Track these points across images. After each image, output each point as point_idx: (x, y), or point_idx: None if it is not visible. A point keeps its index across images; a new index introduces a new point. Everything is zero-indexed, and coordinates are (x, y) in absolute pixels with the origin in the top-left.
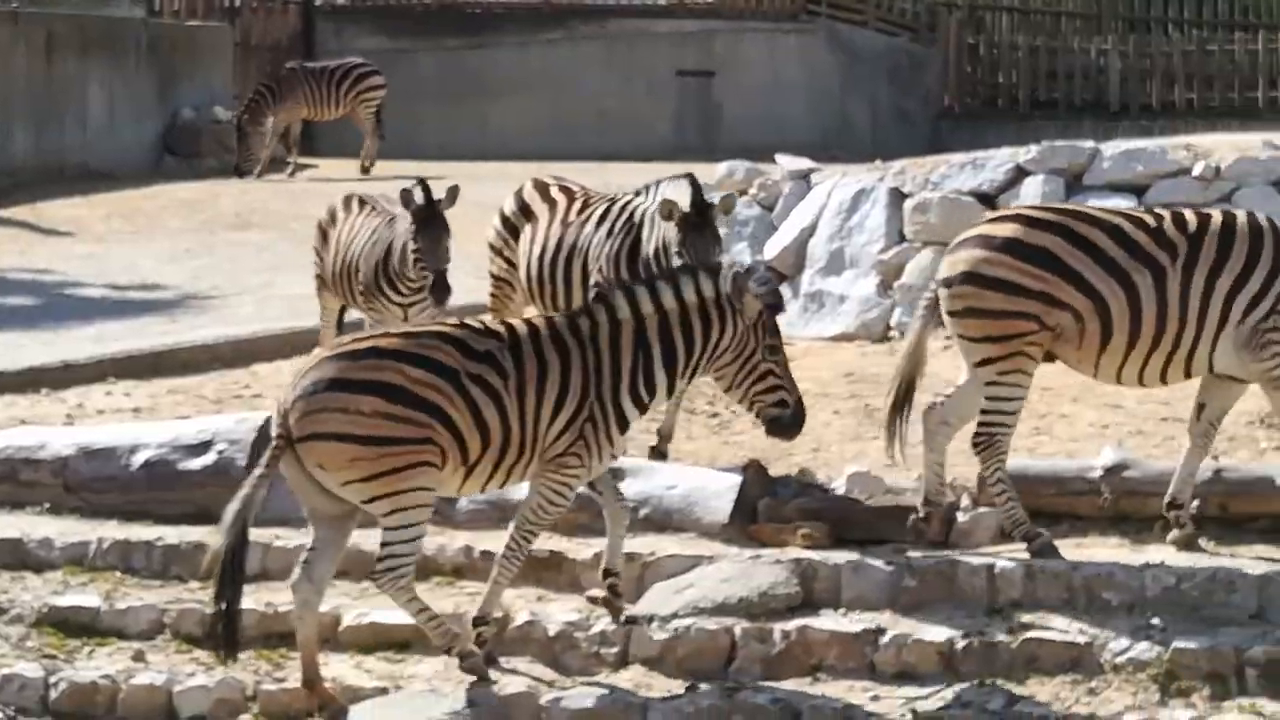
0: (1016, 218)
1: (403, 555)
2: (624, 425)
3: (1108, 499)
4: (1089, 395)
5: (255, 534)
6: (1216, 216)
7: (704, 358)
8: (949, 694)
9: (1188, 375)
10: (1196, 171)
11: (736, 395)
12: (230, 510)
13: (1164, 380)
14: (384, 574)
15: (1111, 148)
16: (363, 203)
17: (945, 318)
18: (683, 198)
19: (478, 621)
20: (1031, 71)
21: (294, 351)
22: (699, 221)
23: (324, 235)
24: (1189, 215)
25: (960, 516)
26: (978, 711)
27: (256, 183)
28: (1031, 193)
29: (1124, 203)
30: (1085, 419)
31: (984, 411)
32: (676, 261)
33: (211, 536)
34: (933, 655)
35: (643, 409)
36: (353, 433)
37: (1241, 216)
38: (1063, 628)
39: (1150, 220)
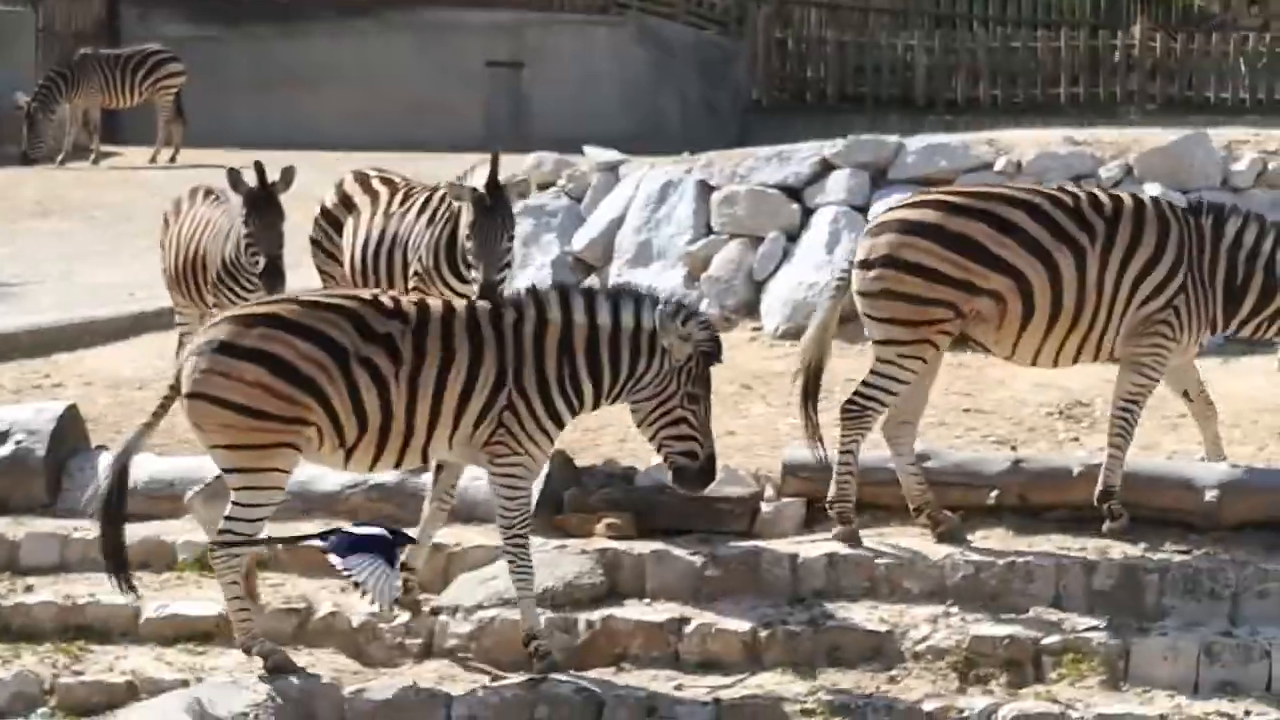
0: (938, 203)
1: (242, 533)
2: (556, 419)
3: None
4: None
5: (53, 526)
6: (1128, 199)
7: (627, 384)
8: (752, 683)
9: (1096, 358)
10: (998, 166)
11: (647, 434)
12: (113, 453)
13: (1075, 361)
14: (219, 548)
15: (916, 142)
16: (208, 194)
17: (858, 298)
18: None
19: (529, 638)
20: (839, 66)
21: (95, 341)
22: (491, 203)
23: (165, 229)
24: (1101, 195)
25: (764, 507)
26: (780, 700)
27: (58, 170)
28: (837, 187)
29: None
30: None
31: (868, 384)
32: (468, 245)
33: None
34: (736, 644)
35: (572, 411)
36: (231, 399)
37: (1149, 201)
38: (864, 616)
39: (1068, 199)
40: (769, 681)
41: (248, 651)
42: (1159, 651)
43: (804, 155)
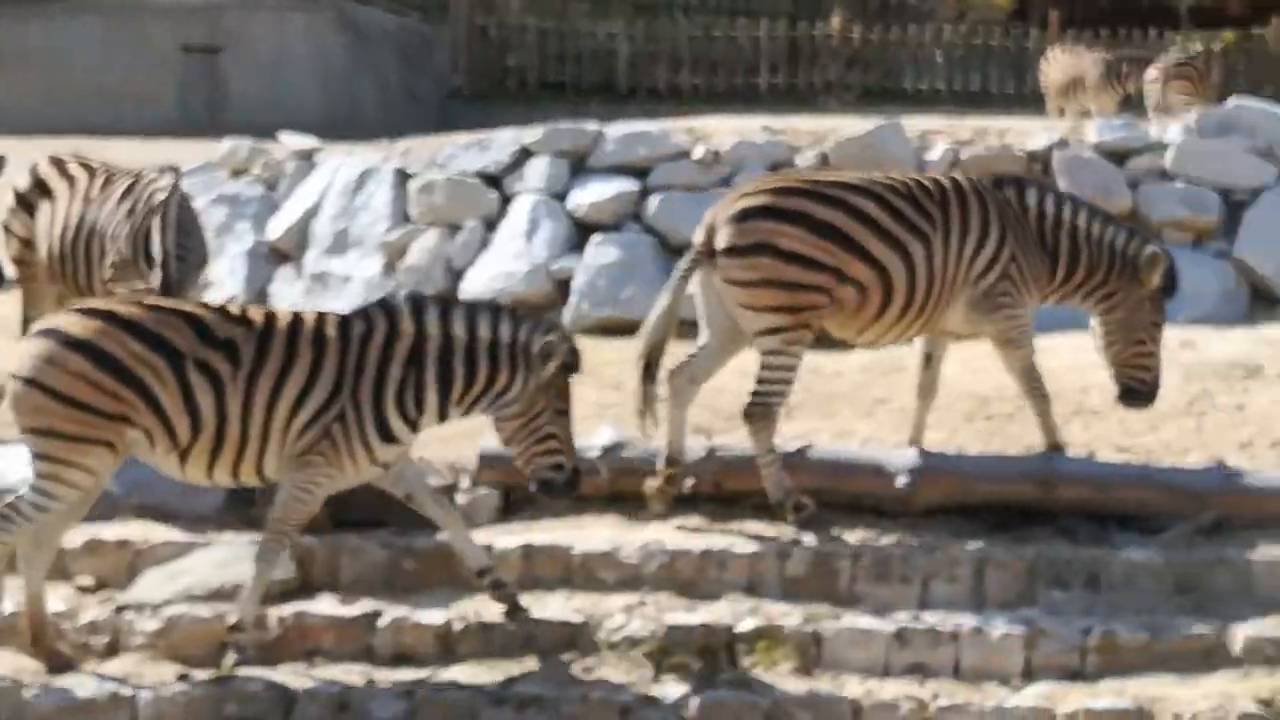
0: (797, 190)
1: (26, 516)
2: (386, 435)
3: (604, 478)
4: (589, 376)
5: None
6: (945, 181)
7: (484, 398)
8: (445, 676)
9: (927, 333)
10: (697, 155)
11: (514, 449)
12: None
13: (909, 341)
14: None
15: (615, 130)
16: None
17: (725, 286)
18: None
19: (234, 629)
20: (541, 53)
21: None
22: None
23: None
24: (925, 180)
25: (460, 498)
26: (474, 692)
27: None
28: (536, 174)
29: (628, 185)
30: (588, 399)
31: (762, 381)
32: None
33: None
34: (430, 637)
35: (411, 426)
36: (50, 385)
37: (965, 181)
38: (559, 607)
39: (901, 188)
40: (463, 674)
41: None
42: (850, 636)
43: (503, 143)
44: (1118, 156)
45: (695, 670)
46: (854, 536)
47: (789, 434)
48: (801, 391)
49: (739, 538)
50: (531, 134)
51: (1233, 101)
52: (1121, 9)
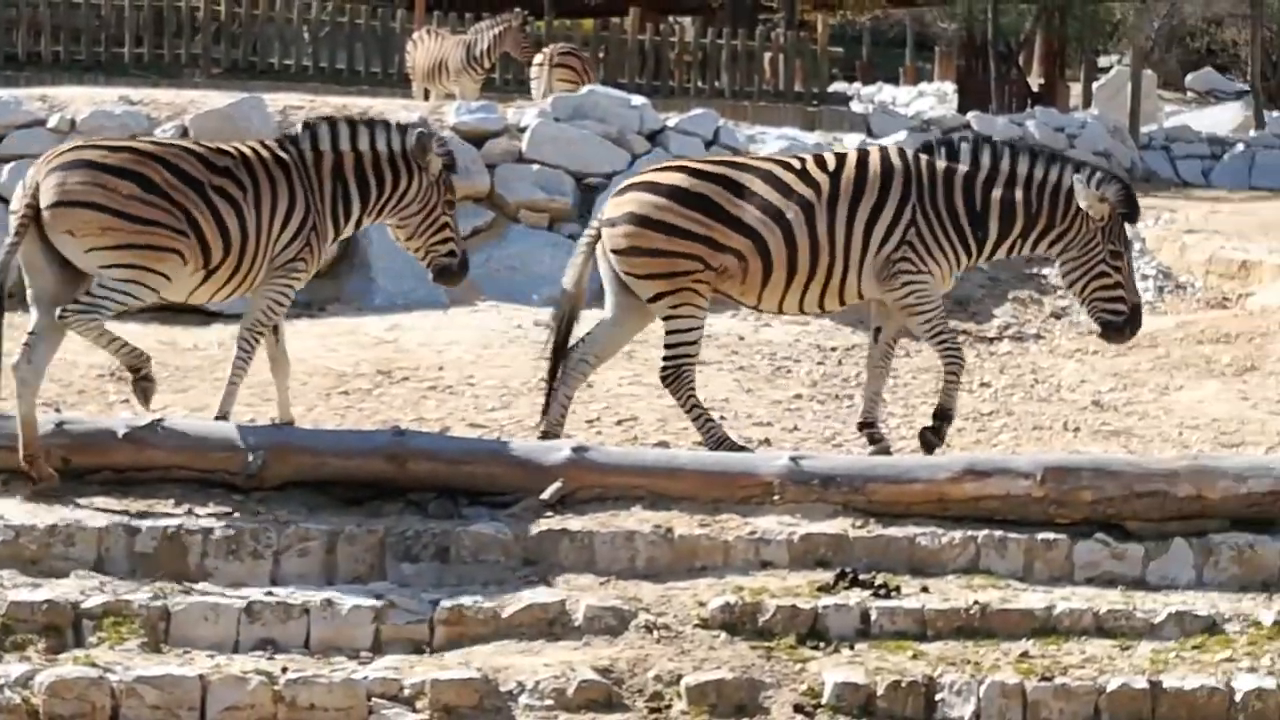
0: (680, 169)
1: (108, 308)
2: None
3: None
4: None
5: None
6: (852, 154)
7: (390, 201)
8: None
9: (842, 302)
10: (51, 123)
11: (415, 244)
12: None
13: (823, 308)
14: (74, 314)
15: None
16: None
17: (611, 256)
18: None
19: (220, 418)
20: None
21: None
22: None
23: None
24: (828, 156)
25: None
26: None
27: None
28: None
29: None
30: None
31: (668, 347)
32: None
33: None
34: None
35: (338, 232)
36: (108, 205)
37: (875, 153)
38: None
39: (795, 163)
40: None
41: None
42: (199, 612)
43: None
44: (476, 139)
45: (39, 648)
46: (205, 512)
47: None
48: (157, 366)
49: (87, 512)
50: None
51: (586, 89)
52: None
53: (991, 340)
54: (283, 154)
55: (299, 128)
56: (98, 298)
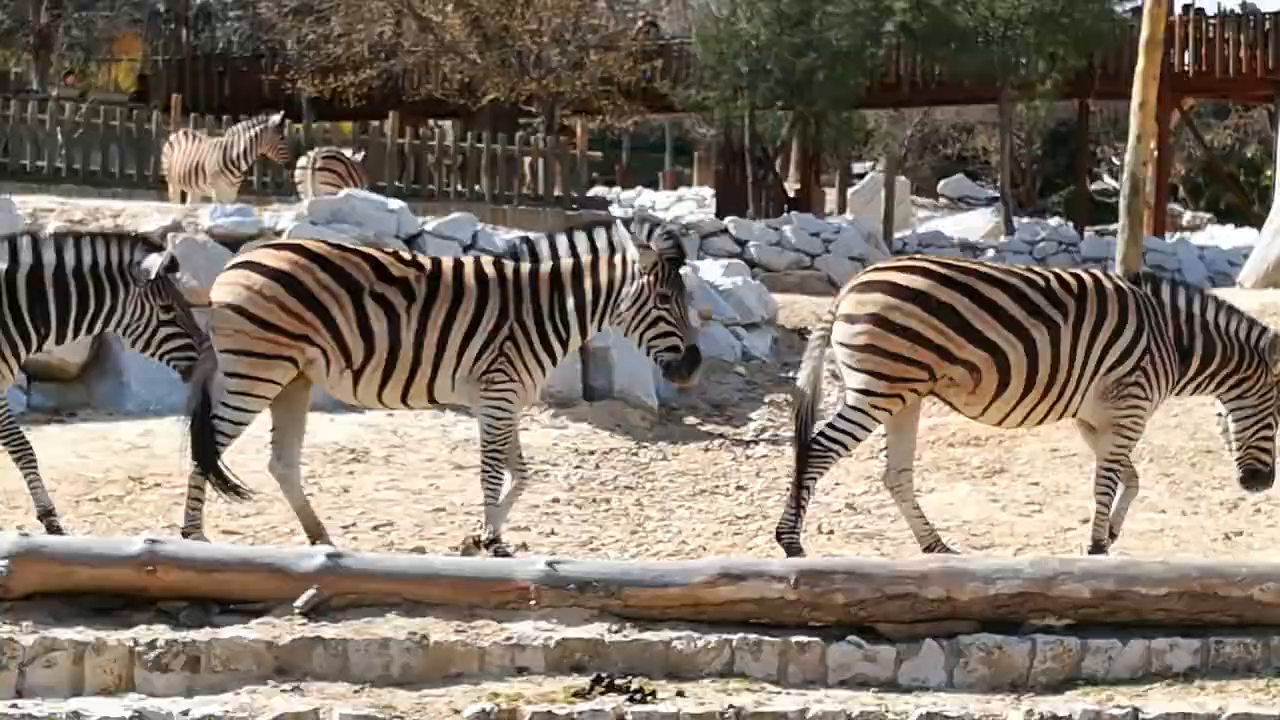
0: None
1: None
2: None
3: None
4: None
5: None
6: (1087, 276)
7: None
8: None
9: (1062, 418)
10: None
11: (633, 339)
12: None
13: (1042, 423)
14: None
15: None
16: None
17: (842, 349)
18: None
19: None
20: None
21: None
22: None
23: None
24: (1066, 275)
25: None
26: None
27: None
28: None
29: None
30: None
31: (838, 426)
32: None
33: None
34: None
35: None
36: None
37: (1106, 280)
38: None
39: (1039, 279)
40: None
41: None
42: None
43: None
44: (232, 242)
45: None
46: None
47: None
48: None
49: None
50: None
51: (344, 192)
52: (242, 95)
53: (748, 444)
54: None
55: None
56: None
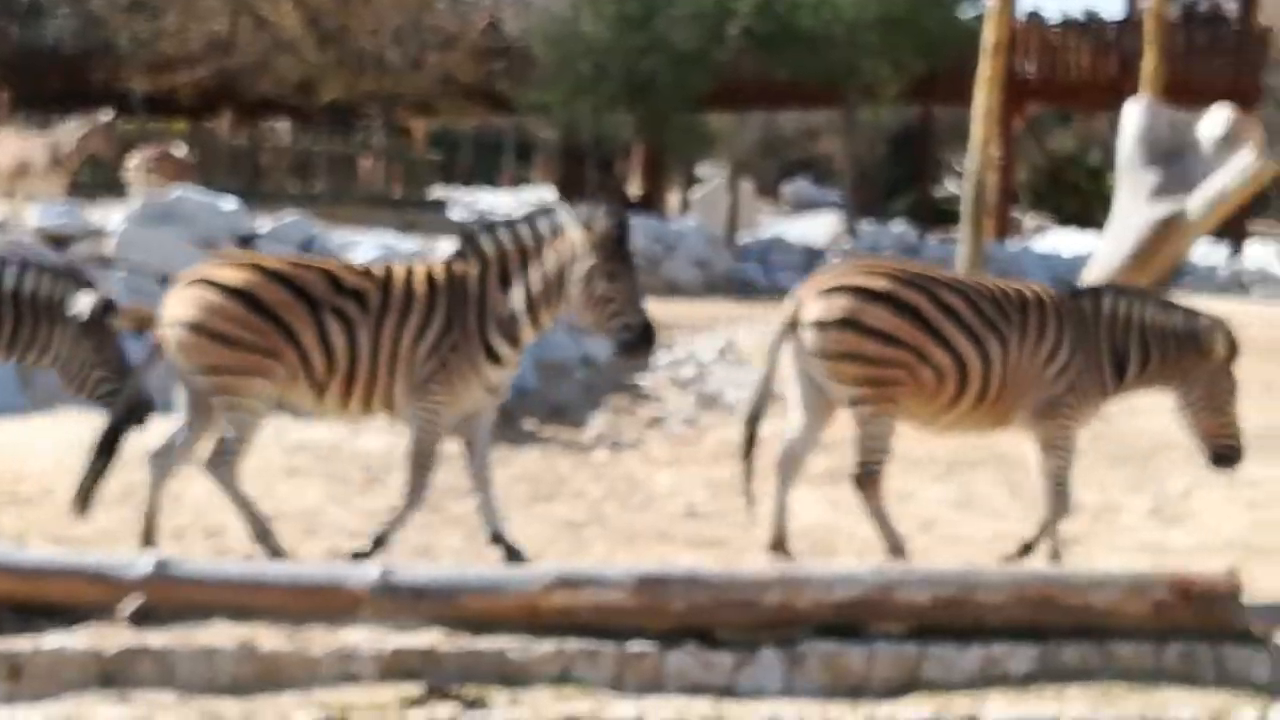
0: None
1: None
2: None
3: None
4: None
5: None
6: (1027, 290)
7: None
8: None
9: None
10: None
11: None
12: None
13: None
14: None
15: None
16: None
17: (815, 360)
18: None
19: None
20: None
21: None
22: None
23: None
24: (1008, 287)
25: None
26: None
27: None
28: None
29: None
30: None
31: (862, 449)
32: None
33: None
34: None
35: None
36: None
37: (1043, 292)
38: None
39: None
40: None
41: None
42: None
43: None
44: (59, 241)
45: None
46: None
47: None
48: None
49: None
50: None
51: (176, 191)
52: (74, 92)
53: (587, 448)
54: None
55: None
56: None
